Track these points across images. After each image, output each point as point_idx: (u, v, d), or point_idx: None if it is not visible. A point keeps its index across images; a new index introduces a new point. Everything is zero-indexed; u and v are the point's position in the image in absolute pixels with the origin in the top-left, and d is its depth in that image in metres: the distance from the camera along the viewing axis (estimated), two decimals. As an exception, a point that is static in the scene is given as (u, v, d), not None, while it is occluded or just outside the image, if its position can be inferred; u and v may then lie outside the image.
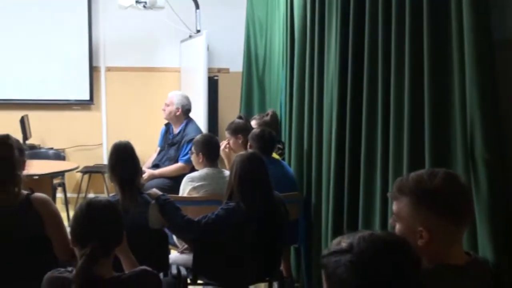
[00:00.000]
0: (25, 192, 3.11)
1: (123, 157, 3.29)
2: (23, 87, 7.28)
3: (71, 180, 7.23)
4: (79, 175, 7.19)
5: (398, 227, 1.83)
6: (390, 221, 1.94)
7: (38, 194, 3.15)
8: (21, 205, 3.05)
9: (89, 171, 7.15)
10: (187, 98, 5.68)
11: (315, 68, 3.98)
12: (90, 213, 2.20)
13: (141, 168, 3.45)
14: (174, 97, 5.64)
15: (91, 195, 7.43)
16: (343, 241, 1.43)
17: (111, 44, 7.41)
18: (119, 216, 2.24)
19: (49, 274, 2.19)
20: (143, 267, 2.20)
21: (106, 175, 7.13)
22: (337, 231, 3.44)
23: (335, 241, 1.46)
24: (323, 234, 3.80)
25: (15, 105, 7.25)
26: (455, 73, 2.30)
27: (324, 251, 1.46)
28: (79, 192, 7.25)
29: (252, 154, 3.44)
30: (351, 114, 3.27)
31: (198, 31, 6.80)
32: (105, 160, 7.40)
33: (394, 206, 1.86)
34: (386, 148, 2.84)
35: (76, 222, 2.20)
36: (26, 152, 3.32)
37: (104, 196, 7.09)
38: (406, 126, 2.60)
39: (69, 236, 3.10)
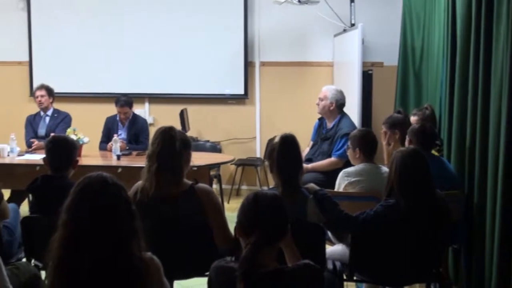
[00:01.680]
0: (189, 182, 3.24)
1: (288, 150, 3.29)
2: (183, 82, 7.64)
3: (225, 172, 7.47)
4: (233, 167, 7.41)
5: None
6: None
7: (201, 185, 3.28)
8: (186, 194, 3.19)
9: (242, 163, 7.34)
10: (341, 93, 5.62)
11: (480, 62, 3.76)
12: (256, 203, 2.23)
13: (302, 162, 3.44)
14: (328, 92, 5.61)
15: (244, 187, 7.63)
16: None
17: (265, 39, 7.54)
18: (284, 209, 2.25)
19: (216, 263, 2.25)
20: (307, 261, 2.19)
21: (259, 168, 7.29)
22: (505, 233, 3.24)
23: None
24: (487, 235, 3.59)
25: (175, 99, 7.63)
26: None
27: None
28: (232, 184, 7.46)
29: (413, 150, 3.33)
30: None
31: (353, 24, 6.72)
32: (258, 153, 7.57)
33: None
34: None
35: (243, 212, 2.25)
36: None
37: (256, 188, 7.25)
38: None
39: (229, 226, 3.21)
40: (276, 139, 3.36)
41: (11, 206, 3.71)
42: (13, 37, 7.97)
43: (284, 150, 3.28)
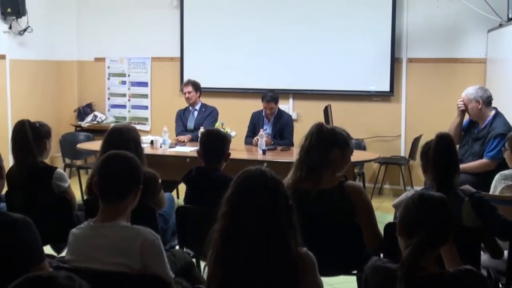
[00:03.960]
0: (340, 178, 3.22)
1: (444, 148, 3.16)
2: (327, 78, 7.63)
3: (368, 170, 7.37)
4: (376, 165, 7.29)
5: None
6: None
7: (351, 182, 3.25)
8: (334, 191, 3.17)
9: (386, 162, 7.19)
10: (482, 88, 5.31)
11: None
12: (423, 204, 2.17)
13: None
14: (468, 94, 5.27)
15: (386, 186, 7.49)
16: None
17: (414, 35, 7.32)
18: (450, 212, 2.17)
19: (372, 262, 2.22)
20: (469, 266, 2.09)
21: (403, 167, 7.11)
22: None
23: None
24: None
25: (319, 95, 7.64)
26: None
27: None
28: (375, 182, 7.34)
29: None
30: None
31: (510, 19, 6.34)
32: (402, 152, 7.39)
33: None
34: None
35: (407, 212, 2.19)
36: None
37: (400, 188, 7.09)
38: None
39: (379, 225, 3.16)
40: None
41: (167, 195, 3.89)
42: (167, 34, 8.36)
43: (440, 149, 3.14)
